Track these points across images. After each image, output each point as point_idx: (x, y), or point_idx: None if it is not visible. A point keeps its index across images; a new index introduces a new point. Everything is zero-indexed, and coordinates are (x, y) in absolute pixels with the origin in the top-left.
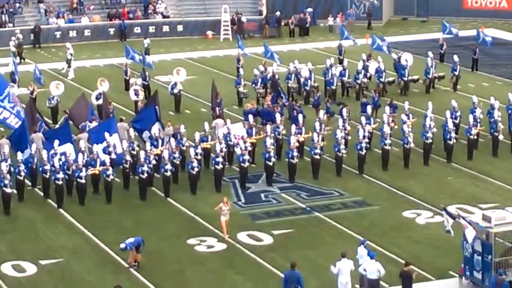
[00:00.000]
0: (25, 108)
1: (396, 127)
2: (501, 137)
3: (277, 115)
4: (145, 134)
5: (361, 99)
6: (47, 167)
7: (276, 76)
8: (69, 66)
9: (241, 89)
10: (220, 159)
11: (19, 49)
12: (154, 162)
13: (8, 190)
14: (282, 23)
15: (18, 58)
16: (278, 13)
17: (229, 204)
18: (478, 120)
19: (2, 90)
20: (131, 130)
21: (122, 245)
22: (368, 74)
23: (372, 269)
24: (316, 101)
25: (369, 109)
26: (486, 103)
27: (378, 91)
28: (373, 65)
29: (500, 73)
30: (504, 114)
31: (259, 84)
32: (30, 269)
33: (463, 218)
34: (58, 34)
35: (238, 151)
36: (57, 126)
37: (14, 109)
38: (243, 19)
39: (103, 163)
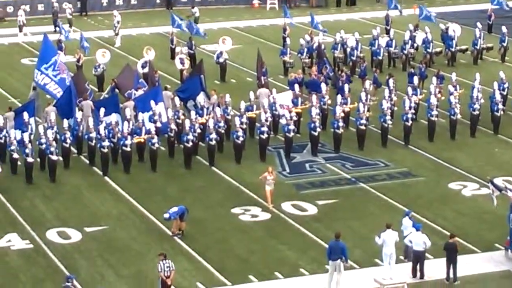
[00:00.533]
0: (74, 77)
1: (443, 98)
2: None
3: (323, 85)
4: (190, 103)
5: (408, 70)
6: (93, 134)
7: (322, 46)
8: (116, 34)
9: (286, 58)
10: (265, 129)
11: (54, 17)
12: (199, 130)
13: (54, 157)
14: None
15: (66, 26)
16: None
17: (274, 173)
18: None
19: (49, 58)
20: (176, 99)
21: (166, 215)
22: (415, 45)
23: (418, 240)
24: (362, 71)
25: (415, 79)
26: None
27: (425, 62)
28: (420, 36)
29: None
30: None
31: (304, 54)
32: (75, 236)
33: (510, 190)
34: (104, 2)
35: (283, 121)
36: (103, 94)
37: (57, 77)
38: None
39: (148, 132)
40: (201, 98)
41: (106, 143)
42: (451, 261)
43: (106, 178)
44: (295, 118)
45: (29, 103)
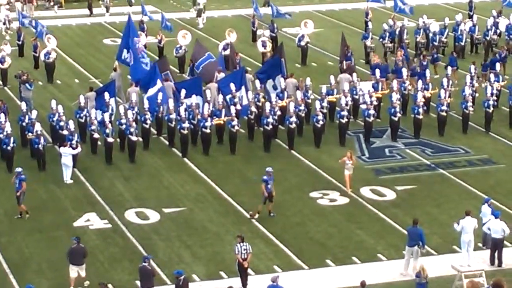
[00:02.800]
0: (158, 61)
1: None
2: None
3: (404, 70)
4: (269, 84)
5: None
6: (173, 116)
7: (405, 31)
8: (199, 16)
9: (368, 43)
10: (345, 113)
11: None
12: (279, 113)
13: (134, 138)
14: None
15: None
16: None
17: (354, 158)
18: None
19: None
20: (257, 82)
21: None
22: (498, 31)
23: (497, 228)
24: (450, 57)
25: (498, 66)
26: None
27: (508, 48)
28: (504, 22)
29: None
30: None
31: (387, 38)
32: (154, 216)
33: None
34: None
35: (366, 98)
36: (185, 76)
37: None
38: None
39: (228, 114)
40: (281, 81)
41: (186, 124)
42: None
43: (185, 159)
44: (375, 103)
45: (110, 84)
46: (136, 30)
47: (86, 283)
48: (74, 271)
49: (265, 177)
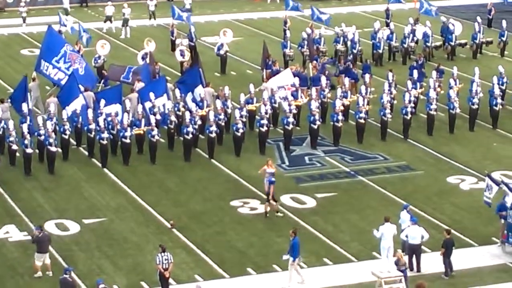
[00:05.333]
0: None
1: (442, 92)
2: None
3: (323, 78)
4: (189, 96)
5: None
6: (92, 126)
7: (322, 39)
8: (124, 25)
9: (287, 51)
10: (265, 121)
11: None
12: (199, 123)
13: (53, 148)
14: None
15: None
16: None
17: (273, 166)
18: None
19: (57, 49)
20: (177, 91)
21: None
22: (415, 38)
23: (415, 234)
24: (364, 65)
25: (415, 73)
26: None
27: (425, 56)
28: (421, 29)
29: None
30: None
31: (305, 47)
32: (74, 228)
33: (506, 184)
34: None
35: (285, 106)
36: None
37: (69, 69)
38: None
39: (148, 123)
40: (200, 90)
41: (105, 134)
42: (448, 256)
43: (105, 170)
44: (294, 111)
45: (18, 91)
46: (62, 39)
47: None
48: (40, 260)
49: (273, 178)
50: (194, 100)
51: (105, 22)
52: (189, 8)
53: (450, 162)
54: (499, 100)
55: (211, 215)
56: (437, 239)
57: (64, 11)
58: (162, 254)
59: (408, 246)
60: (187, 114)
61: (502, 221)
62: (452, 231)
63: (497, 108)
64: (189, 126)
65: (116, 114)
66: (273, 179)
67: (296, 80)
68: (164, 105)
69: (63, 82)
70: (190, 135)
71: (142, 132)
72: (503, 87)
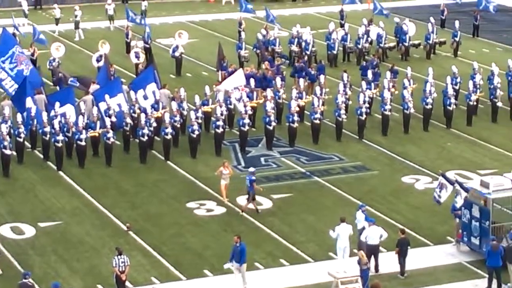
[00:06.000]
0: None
1: (396, 92)
2: (500, 103)
3: (278, 79)
4: (140, 93)
5: (362, 64)
6: (47, 129)
7: (277, 40)
8: (77, 28)
9: (242, 53)
10: (220, 123)
11: None
12: (154, 125)
13: (8, 152)
14: None
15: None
16: None
17: (230, 168)
18: (478, 86)
19: (6, 49)
20: (132, 93)
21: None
22: (370, 39)
23: (374, 234)
24: (319, 65)
25: (369, 74)
26: (486, 69)
27: (378, 56)
28: (374, 30)
29: (500, 40)
30: (504, 80)
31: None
32: (29, 231)
33: (459, 183)
34: None
35: (241, 107)
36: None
37: (13, 70)
38: None
39: (103, 126)
40: (153, 88)
41: (60, 137)
42: (404, 256)
43: (60, 172)
44: (250, 112)
45: None
46: (13, 40)
47: None
48: None
49: (254, 177)
50: (145, 97)
51: (57, 24)
52: (144, 10)
53: (405, 162)
54: (452, 100)
55: (167, 217)
56: (392, 239)
57: (22, 13)
58: (119, 256)
59: (366, 247)
60: (143, 116)
61: (457, 220)
62: (407, 230)
63: (451, 108)
64: (145, 128)
65: (70, 116)
66: (253, 177)
67: (251, 81)
68: (119, 105)
69: (3, 83)
70: (146, 137)
71: (97, 134)
72: (457, 87)
